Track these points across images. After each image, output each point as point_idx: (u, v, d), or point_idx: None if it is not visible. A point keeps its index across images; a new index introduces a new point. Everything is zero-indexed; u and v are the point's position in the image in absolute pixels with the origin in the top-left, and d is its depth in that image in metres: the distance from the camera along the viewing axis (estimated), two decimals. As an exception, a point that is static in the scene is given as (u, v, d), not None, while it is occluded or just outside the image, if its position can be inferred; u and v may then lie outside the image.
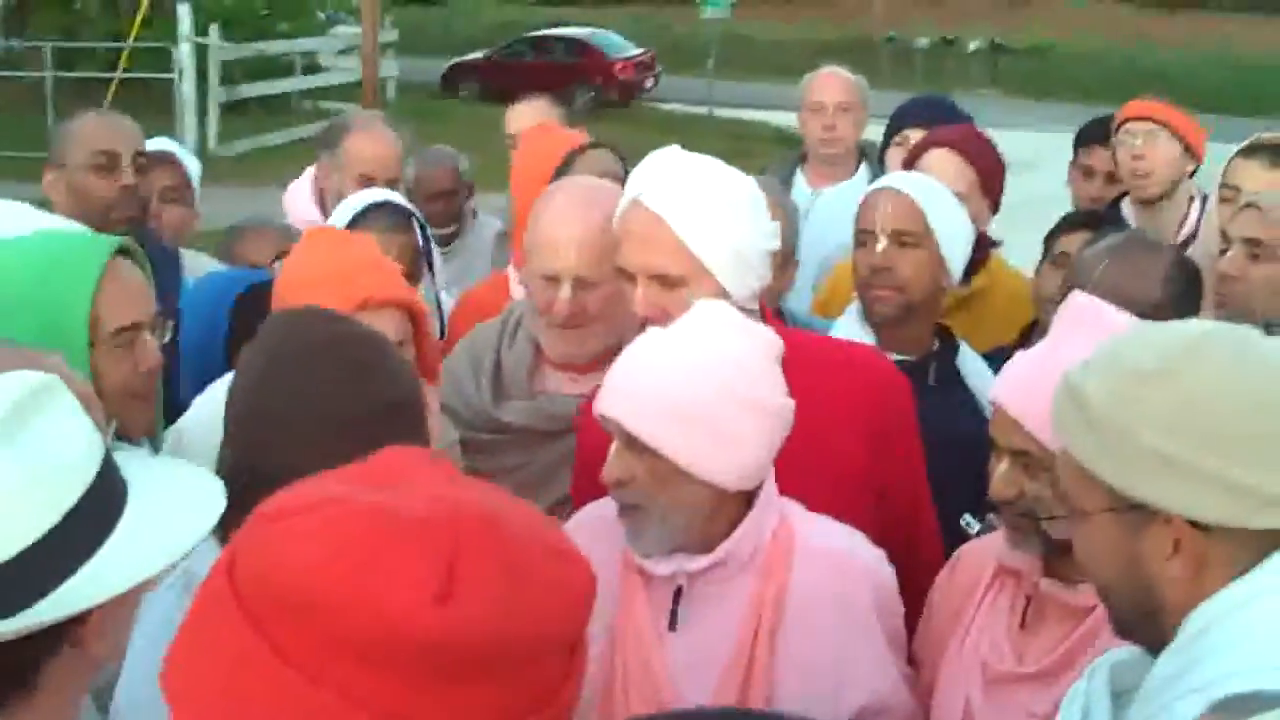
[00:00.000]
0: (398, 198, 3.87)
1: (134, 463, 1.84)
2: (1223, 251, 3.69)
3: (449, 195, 5.38)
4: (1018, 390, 2.39)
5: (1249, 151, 4.34)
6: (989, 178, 4.38)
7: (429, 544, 1.18)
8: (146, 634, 1.97)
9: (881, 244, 3.51)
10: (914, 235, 3.49)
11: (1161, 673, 1.82)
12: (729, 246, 2.79)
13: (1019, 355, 2.46)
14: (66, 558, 1.64)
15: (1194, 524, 1.80)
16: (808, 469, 2.63)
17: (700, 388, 2.37)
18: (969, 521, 2.60)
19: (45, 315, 2.60)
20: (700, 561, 2.46)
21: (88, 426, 1.73)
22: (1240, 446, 1.77)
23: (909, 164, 4.41)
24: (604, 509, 2.57)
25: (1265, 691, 1.60)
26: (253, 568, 1.20)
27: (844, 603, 2.50)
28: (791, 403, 2.47)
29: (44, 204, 3.69)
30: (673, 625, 2.49)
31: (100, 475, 1.69)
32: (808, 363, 2.66)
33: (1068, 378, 1.92)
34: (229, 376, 2.37)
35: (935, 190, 3.61)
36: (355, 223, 3.66)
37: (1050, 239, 4.36)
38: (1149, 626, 1.88)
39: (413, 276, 3.71)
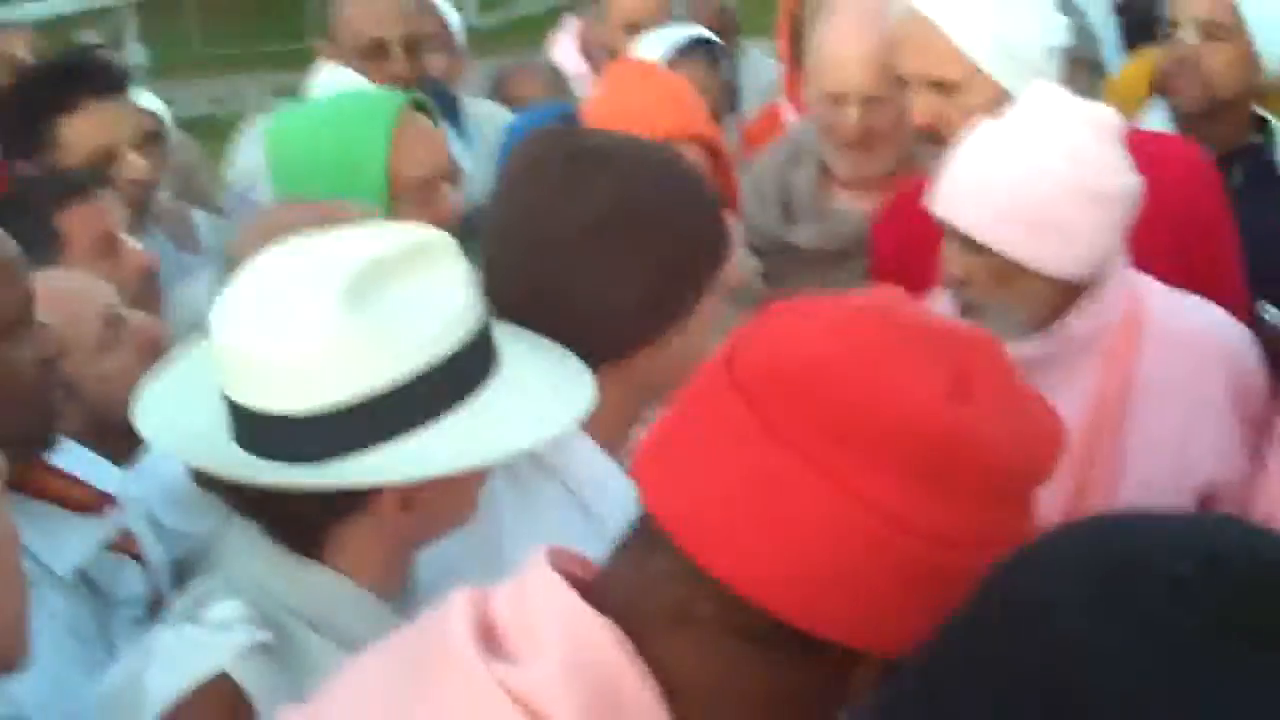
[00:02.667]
0: (709, 33, 3.83)
1: (514, 344, 1.78)
2: None
3: (717, 34, 5.31)
4: None
5: None
6: None
7: (944, 349, 1.17)
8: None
9: (1187, 35, 3.35)
10: (1223, 27, 3.31)
11: None
12: (1005, 46, 2.72)
13: None
14: (380, 427, 1.61)
15: None
16: None
17: (1038, 181, 2.31)
18: (1266, 308, 2.49)
19: (345, 174, 2.65)
20: (1036, 345, 2.40)
21: (460, 298, 1.67)
22: None
23: None
24: (939, 304, 2.52)
25: None
26: (758, 352, 1.20)
27: (1196, 387, 2.44)
28: (1136, 180, 2.38)
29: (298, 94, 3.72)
30: None
31: (454, 355, 1.64)
32: None
33: None
34: None
35: None
36: (673, 60, 3.61)
37: None
38: None
39: (721, 112, 3.70)
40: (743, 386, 1.18)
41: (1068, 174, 2.30)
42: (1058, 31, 2.78)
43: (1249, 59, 3.34)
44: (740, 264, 2.94)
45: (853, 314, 1.19)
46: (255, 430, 1.64)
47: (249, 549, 1.72)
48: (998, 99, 2.57)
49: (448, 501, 1.71)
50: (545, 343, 1.83)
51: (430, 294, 1.65)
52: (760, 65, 5.34)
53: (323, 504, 1.64)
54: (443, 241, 1.71)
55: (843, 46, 3.07)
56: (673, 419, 1.25)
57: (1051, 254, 2.33)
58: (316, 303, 1.59)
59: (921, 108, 2.80)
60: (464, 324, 1.66)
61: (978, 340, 1.21)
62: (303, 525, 1.68)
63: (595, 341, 1.86)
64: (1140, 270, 2.53)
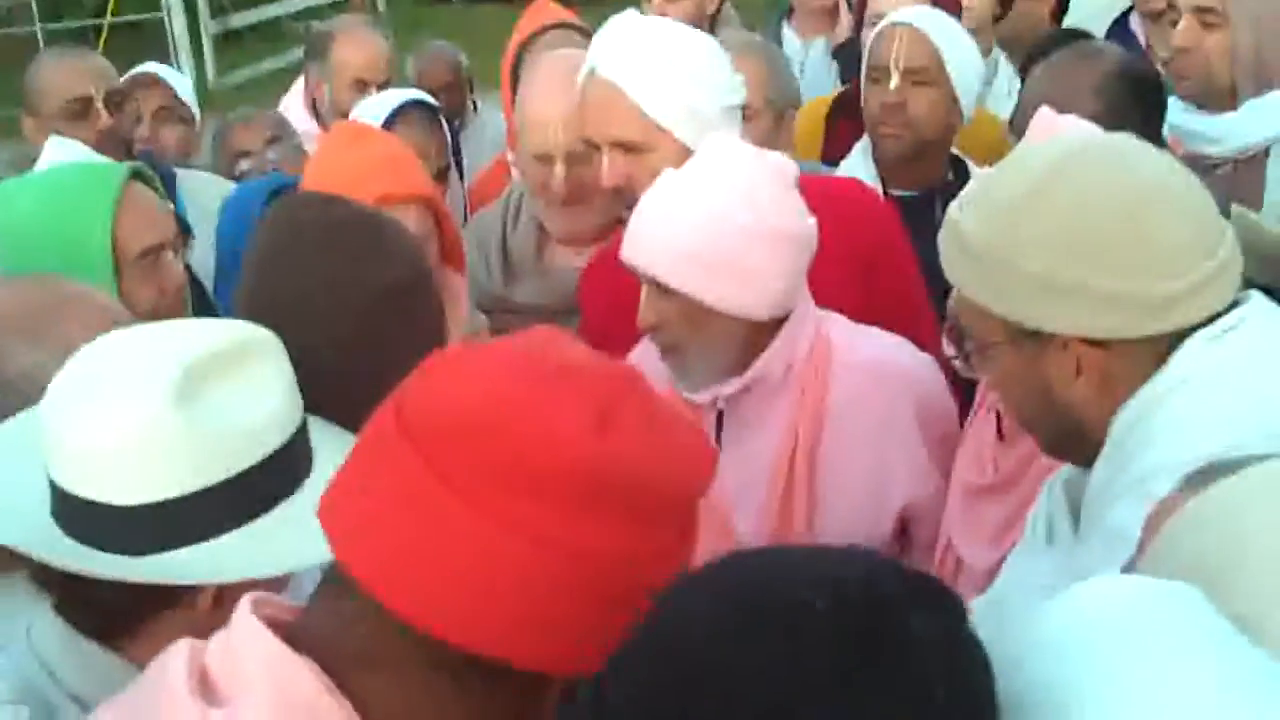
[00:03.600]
0: (427, 96, 3.86)
1: (327, 443, 1.81)
2: (1173, 24, 3.41)
3: (450, 89, 5.38)
4: None
5: None
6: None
7: (586, 386, 1.26)
8: None
9: (895, 81, 3.53)
10: (928, 73, 3.51)
11: (1096, 482, 1.85)
12: (685, 106, 2.82)
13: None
14: (199, 525, 1.66)
15: (1090, 342, 1.79)
16: None
17: (718, 226, 2.41)
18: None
19: (68, 248, 2.63)
20: (732, 385, 2.53)
21: (281, 400, 1.73)
22: (1115, 257, 1.75)
23: None
24: (648, 349, 2.61)
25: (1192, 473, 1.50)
26: (423, 402, 1.28)
27: (883, 414, 2.57)
28: (812, 222, 2.50)
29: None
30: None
31: (273, 457, 1.71)
32: None
33: (949, 216, 1.92)
34: None
35: (949, 26, 3.62)
36: (390, 123, 3.59)
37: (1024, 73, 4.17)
38: (1076, 447, 1.89)
39: (446, 173, 3.74)
40: (409, 434, 1.27)
41: (745, 217, 2.42)
42: (735, 90, 2.90)
43: (951, 102, 3.55)
44: (468, 322, 3.04)
45: (502, 358, 1.30)
46: (76, 515, 1.67)
47: (37, 628, 1.72)
48: (682, 157, 2.63)
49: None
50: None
51: (254, 395, 1.71)
52: (489, 122, 5.44)
53: (136, 595, 1.66)
54: (267, 341, 1.77)
55: (543, 107, 3.13)
56: (351, 466, 1.33)
57: (734, 295, 2.44)
58: (146, 398, 1.64)
59: (609, 169, 2.87)
60: (284, 426, 1.73)
61: (620, 373, 1.32)
62: (112, 613, 1.69)
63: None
64: (826, 308, 2.65)
